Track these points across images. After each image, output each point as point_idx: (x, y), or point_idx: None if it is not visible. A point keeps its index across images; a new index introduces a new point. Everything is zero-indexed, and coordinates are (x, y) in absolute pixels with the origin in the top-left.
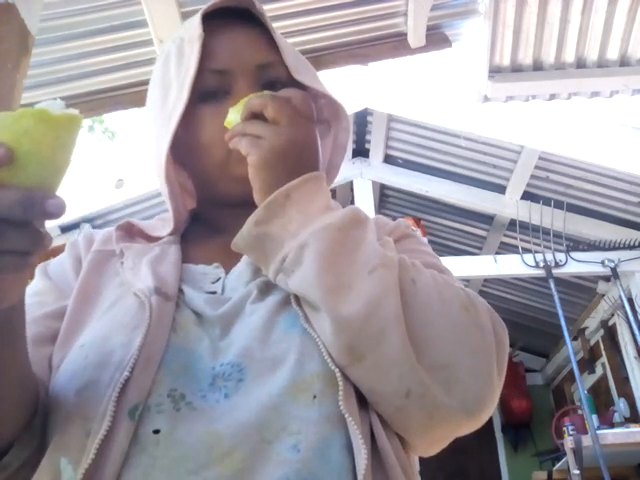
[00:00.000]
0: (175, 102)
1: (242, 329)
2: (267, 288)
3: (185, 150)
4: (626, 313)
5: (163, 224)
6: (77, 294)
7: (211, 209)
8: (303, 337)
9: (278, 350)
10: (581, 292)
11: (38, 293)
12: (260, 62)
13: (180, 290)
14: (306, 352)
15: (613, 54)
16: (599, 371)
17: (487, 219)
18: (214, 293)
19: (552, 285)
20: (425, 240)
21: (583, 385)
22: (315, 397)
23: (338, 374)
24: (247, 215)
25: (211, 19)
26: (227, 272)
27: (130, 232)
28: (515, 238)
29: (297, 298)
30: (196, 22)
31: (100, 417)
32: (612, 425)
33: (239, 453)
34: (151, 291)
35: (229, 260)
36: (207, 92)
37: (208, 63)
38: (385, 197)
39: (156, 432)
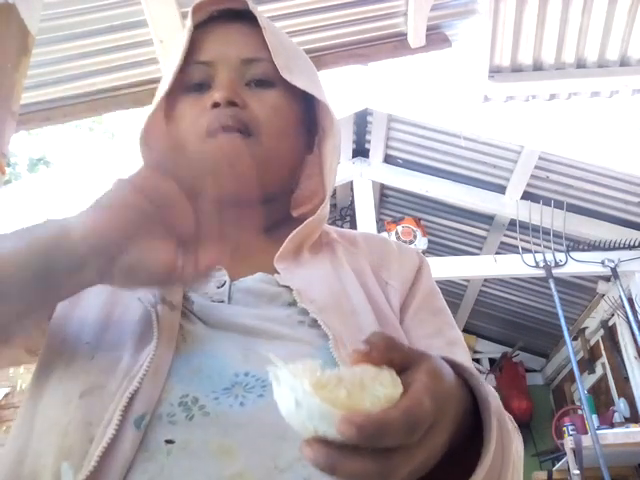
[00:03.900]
0: (159, 93)
1: (270, 347)
2: (290, 315)
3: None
4: (626, 313)
5: None
6: None
7: (204, 206)
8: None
9: None
10: (581, 292)
11: None
12: (245, 56)
13: (184, 297)
14: None
15: (613, 54)
16: (599, 371)
17: (487, 219)
18: (222, 302)
19: (552, 285)
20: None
21: (583, 385)
22: None
23: None
24: (236, 214)
25: (209, 18)
26: (229, 274)
27: None
28: (515, 238)
29: (336, 340)
30: (189, 15)
31: (105, 424)
32: (612, 425)
33: (250, 476)
34: (157, 299)
35: (228, 260)
36: (190, 83)
37: (195, 55)
38: (385, 197)
39: (169, 442)
